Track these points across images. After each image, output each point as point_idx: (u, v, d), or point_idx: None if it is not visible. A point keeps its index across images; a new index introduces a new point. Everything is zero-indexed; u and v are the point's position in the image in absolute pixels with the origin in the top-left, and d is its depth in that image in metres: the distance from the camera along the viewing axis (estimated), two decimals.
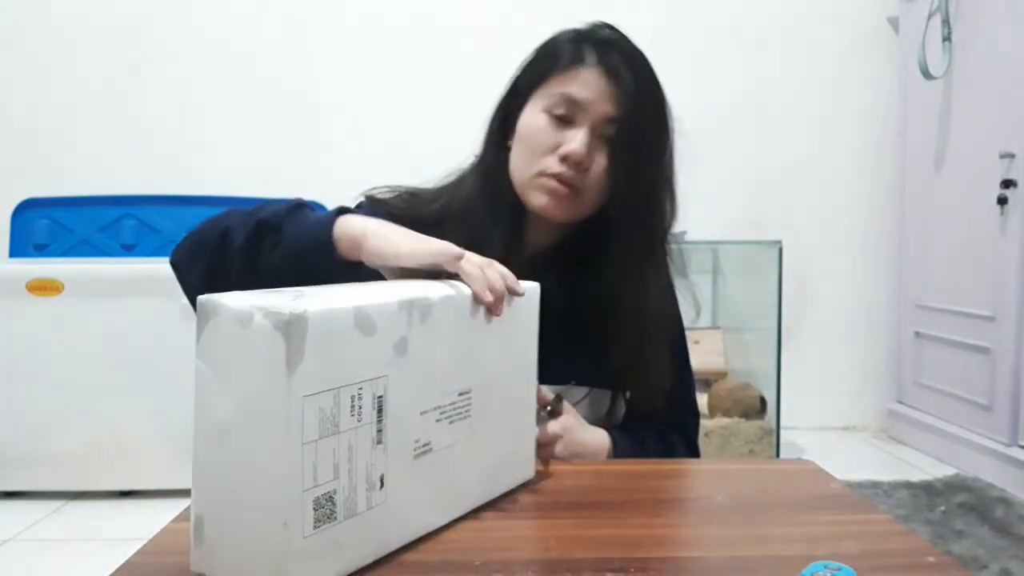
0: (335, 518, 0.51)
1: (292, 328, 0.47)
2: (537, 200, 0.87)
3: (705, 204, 2.58)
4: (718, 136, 2.78)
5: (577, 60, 0.87)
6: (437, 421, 0.60)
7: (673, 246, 0.96)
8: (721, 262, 2.77)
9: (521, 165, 0.89)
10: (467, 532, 0.61)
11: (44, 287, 2.14)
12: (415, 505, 0.58)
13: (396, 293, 0.57)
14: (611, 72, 0.86)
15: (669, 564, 0.57)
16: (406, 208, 0.91)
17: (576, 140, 0.85)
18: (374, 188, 0.95)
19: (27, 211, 2.70)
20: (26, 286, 2.13)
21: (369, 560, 0.55)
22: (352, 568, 0.53)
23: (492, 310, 0.64)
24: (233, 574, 0.50)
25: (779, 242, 2.49)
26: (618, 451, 0.88)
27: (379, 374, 0.54)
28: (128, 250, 2.70)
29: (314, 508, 0.49)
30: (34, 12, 2.80)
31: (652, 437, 0.95)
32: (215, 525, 0.51)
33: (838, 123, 2.92)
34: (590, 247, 0.91)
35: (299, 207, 0.77)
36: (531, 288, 0.71)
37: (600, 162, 0.86)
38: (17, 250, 2.68)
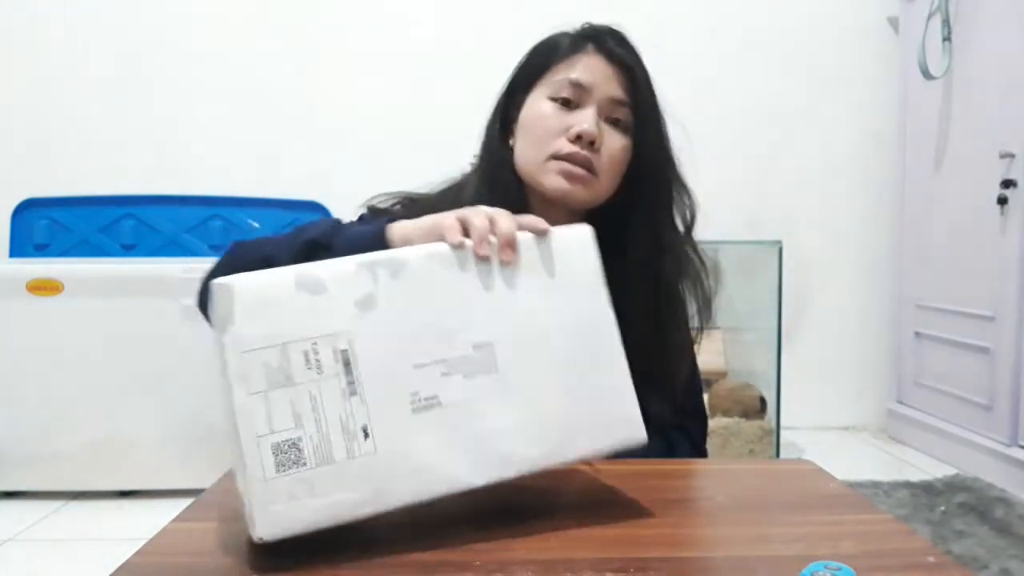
0: (304, 464, 0.55)
1: (221, 295, 0.55)
2: (553, 183, 0.87)
3: (705, 204, 2.58)
4: (718, 136, 2.78)
5: (577, 49, 0.89)
6: (444, 375, 0.59)
7: (695, 248, 0.95)
8: (721, 262, 2.76)
9: (530, 153, 0.89)
10: (467, 532, 0.61)
11: (44, 287, 2.14)
12: (429, 459, 0.58)
13: (360, 256, 0.60)
14: (612, 56, 0.88)
15: (669, 564, 0.57)
16: (409, 216, 0.91)
17: (586, 119, 0.85)
18: (374, 197, 0.95)
19: (27, 211, 2.71)
20: (26, 286, 2.13)
21: (367, 510, 0.57)
22: (343, 514, 0.56)
23: (502, 257, 0.62)
24: (247, 525, 0.56)
25: (779, 242, 2.50)
26: None
27: (339, 330, 0.57)
28: (128, 250, 2.70)
29: (274, 453, 0.55)
30: (35, 13, 2.80)
31: (656, 439, 0.94)
32: (240, 488, 0.57)
33: (838, 123, 2.92)
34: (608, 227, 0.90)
35: (339, 224, 0.77)
36: (579, 231, 0.67)
37: (610, 143, 0.87)
38: (17, 250, 2.68)
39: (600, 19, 0.94)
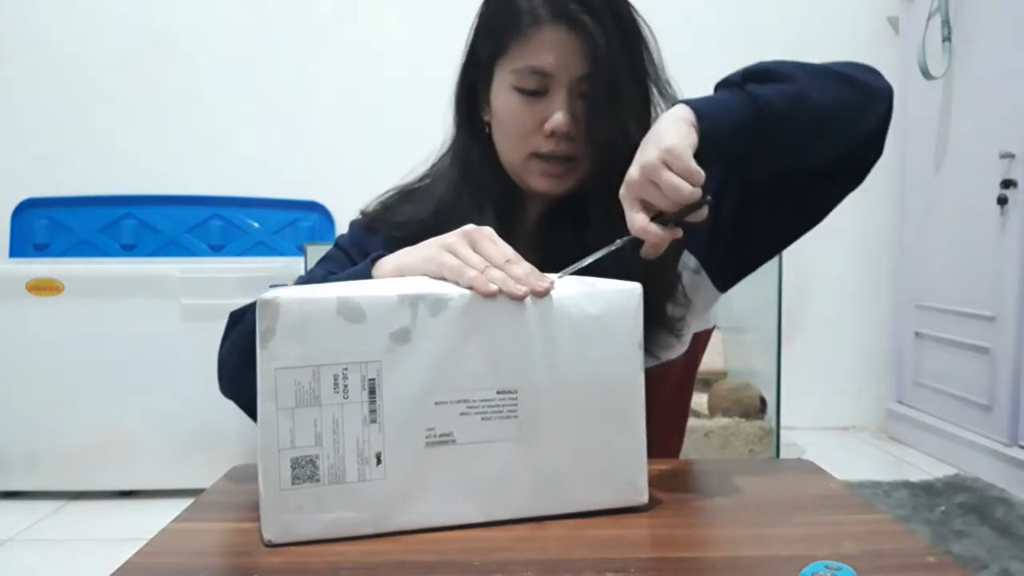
0: (318, 480, 0.58)
1: (265, 310, 0.57)
2: (537, 184, 0.84)
3: None
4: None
5: (534, 22, 0.80)
6: (463, 414, 0.61)
7: None
8: None
9: (509, 151, 0.85)
10: (467, 532, 0.61)
11: (44, 287, 2.14)
12: (434, 492, 0.60)
13: (405, 287, 0.61)
14: (571, 24, 0.79)
15: (669, 564, 0.57)
16: (397, 220, 0.89)
17: (558, 113, 0.80)
18: (365, 206, 0.93)
19: (27, 211, 2.71)
20: (26, 286, 2.13)
21: (368, 529, 0.59)
22: (346, 530, 0.59)
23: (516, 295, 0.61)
24: (260, 523, 0.59)
25: None
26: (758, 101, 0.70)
27: (370, 359, 0.59)
28: (128, 250, 2.71)
29: (292, 467, 0.58)
30: (35, 13, 2.80)
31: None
32: (259, 487, 0.59)
33: None
34: (593, 199, 0.84)
35: (323, 280, 0.75)
36: (628, 290, 0.65)
37: (584, 120, 0.81)
38: (17, 250, 2.68)
39: None
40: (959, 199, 2.50)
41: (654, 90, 0.86)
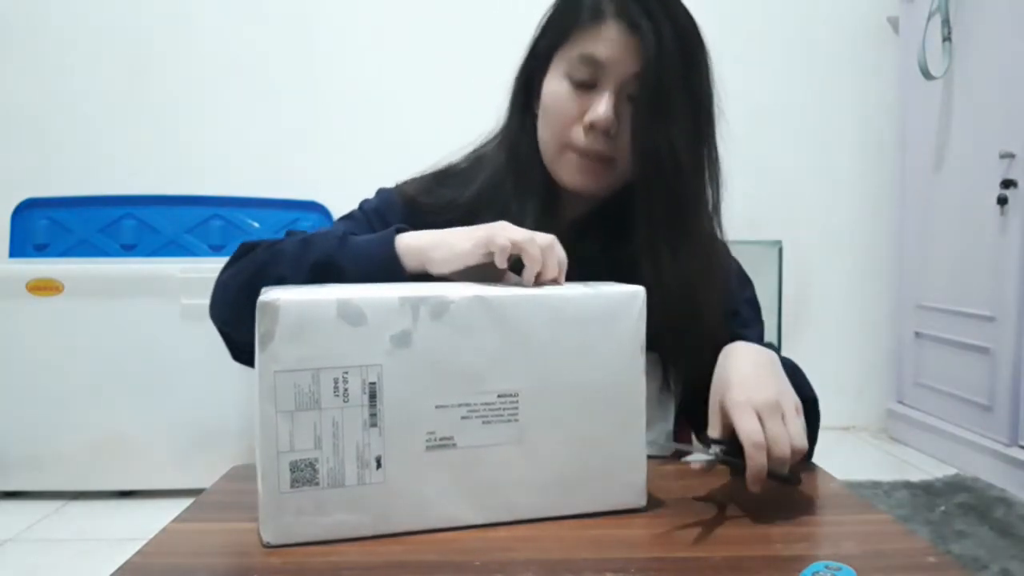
0: (317, 483, 0.58)
1: (264, 312, 0.56)
2: (568, 177, 0.83)
3: None
4: (717, 135, 2.77)
5: (597, 16, 0.79)
6: (464, 418, 0.60)
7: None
8: None
9: (547, 138, 0.84)
10: (467, 532, 0.61)
11: (44, 287, 2.14)
12: (434, 496, 0.60)
13: (406, 290, 0.61)
14: (632, 24, 0.78)
15: (669, 564, 0.57)
16: (436, 203, 0.87)
17: (600, 106, 0.78)
18: (401, 181, 0.92)
19: (27, 211, 2.71)
20: (26, 286, 2.13)
21: (368, 532, 0.59)
22: (345, 533, 0.59)
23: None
24: (259, 524, 0.59)
25: (779, 242, 2.50)
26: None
27: (370, 362, 0.58)
28: (128, 250, 2.70)
29: (291, 470, 0.57)
30: (35, 12, 2.80)
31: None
32: (258, 488, 0.59)
33: (838, 123, 2.92)
34: (632, 210, 0.83)
35: (345, 237, 0.74)
36: (631, 293, 0.65)
37: (630, 125, 0.80)
38: (17, 250, 2.68)
39: None
40: (959, 199, 2.50)
41: (706, 111, 0.85)
